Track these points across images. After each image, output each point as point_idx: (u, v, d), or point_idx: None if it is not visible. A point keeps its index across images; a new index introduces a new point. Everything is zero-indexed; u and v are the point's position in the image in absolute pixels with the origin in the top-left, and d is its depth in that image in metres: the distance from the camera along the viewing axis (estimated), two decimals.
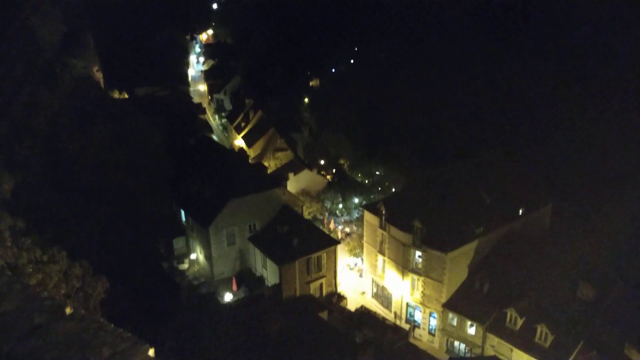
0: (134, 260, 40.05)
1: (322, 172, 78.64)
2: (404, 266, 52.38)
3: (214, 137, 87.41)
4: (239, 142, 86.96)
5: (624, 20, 71.75)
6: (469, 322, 48.49)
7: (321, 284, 54.82)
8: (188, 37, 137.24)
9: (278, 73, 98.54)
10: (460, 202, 51.74)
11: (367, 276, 59.36)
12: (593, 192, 58.66)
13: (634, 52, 71.49)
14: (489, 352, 46.58)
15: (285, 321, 43.61)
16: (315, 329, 44.40)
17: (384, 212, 53.57)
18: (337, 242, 57.38)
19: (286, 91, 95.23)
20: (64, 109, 44.47)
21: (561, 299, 44.97)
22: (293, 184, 68.63)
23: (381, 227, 54.31)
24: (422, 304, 52.33)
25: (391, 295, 55.61)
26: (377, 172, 79.78)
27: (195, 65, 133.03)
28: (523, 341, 43.92)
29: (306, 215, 64.52)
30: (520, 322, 44.72)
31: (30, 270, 22.07)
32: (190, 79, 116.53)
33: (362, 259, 61.17)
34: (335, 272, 55.94)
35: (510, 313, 45.22)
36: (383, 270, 55.77)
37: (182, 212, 59.44)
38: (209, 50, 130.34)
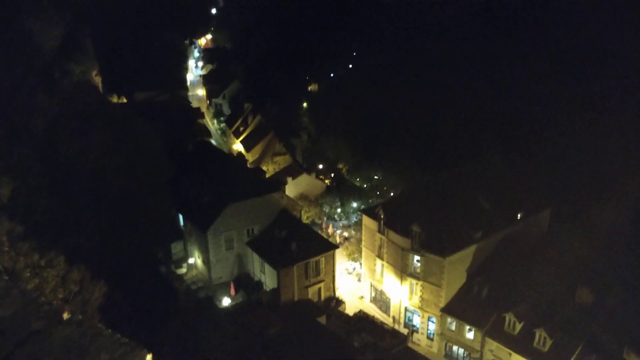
0: (132, 264, 39.93)
1: (321, 177, 78.66)
2: (403, 270, 52.34)
3: (213, 142, 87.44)
4: (238, 146, 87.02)
5: (624, 21, 71.86)
6: (467, 327, 48.45)
7: (319, 289, 54.74)
8: (187, 42, 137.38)
9: (277, 78, 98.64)
10: (458, 206, 51.78)
11: (366, 280, 59.30)
12: (591, 196, 58.66)
13: (634, 53, 71.66)
14: (488, 356, 46.54)
15: (283, 326, 43.56)
16: (313, 334, 44.34)
17: (382, 217, 53.58)
18: (335, 246, 57.37)
19: (285, 96, 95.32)
20: (63, 113, 44.42)
21: (560, 303, 44.97)
22: (291, 189, 68.65)
23: (380, 231, 54.29)
24: (420, 308, 52.26)
25: (390, 299, 55.54)
26: (375, 177, 79.81)
27: (194, 69, 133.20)
28: (522, 346, 43.89)
29: (304, 219, 64.52)
30: (518, 326, 44.69)
31: (28, 274, 22.00)
32: (189, 83, 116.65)
33: (361, 264, 61.12)
34: (333, 276, 55.89)
35: (509, 317, 45.19)
36: (381, 275, 55.72)
37: (181, 217, 59.39)
38: (207, 55, 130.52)
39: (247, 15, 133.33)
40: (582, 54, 77.88)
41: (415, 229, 50.08)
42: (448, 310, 49.70)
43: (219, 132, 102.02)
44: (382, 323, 53.32)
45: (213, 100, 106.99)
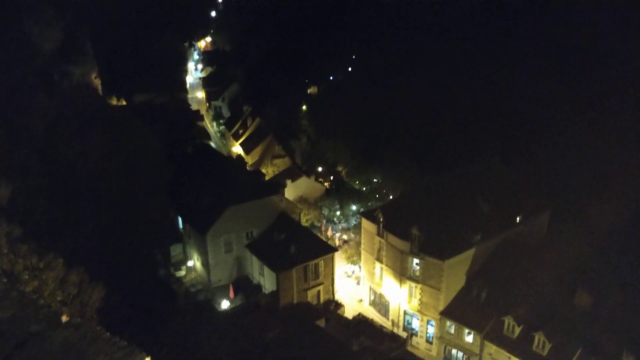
0: (131, 267, 39.87)
1: (320, 179, 78.67)
2: (402, 274, 52.29)
3: (212, 144, 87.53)
4: (237, 149, 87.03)
5: (623, 22, 71.94)
6: (466, 330, 48.39)
7: (318, 292, 54.69)
8: (186, 45, 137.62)
9: (276, 80, 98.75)
10: (457, 209, 51.77)
11: (365, 284, 59.24)
12: (591, 198, 58.68)
13: (633, 54, 71.77)
14: None
15: (282, 329, 43.50)
16: (312, 337, 44.28)
17: (381, 220, 53.55)
18: (334, 249, 57.33)
19: (284, 98, 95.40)
20: (62, 115, 44.41)
21: (559, 306, 44.93)
22: (291, 191, 68.65)
23: (379, 234, 54.27)
24: (419, 311, 52.20)
25: (389, 302, 55.48)
26: (374, 179, 79.82)
27: (194, 72, 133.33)
28: (521, 349, 43.84)
29: (304, 222, 64.48)
30: (517, 329, 44.65)
31: (27, 277, 21.96)
32: (188, 86, 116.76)
33: (360, 267, 61.07)
34: (332, 279, 55.84)
35: (508, 321, 45.15)
36: (381, 278, 55.67)
37: (180, 219, 59.34)
38: (207, 58, 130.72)
39: (247, 17, 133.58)
40: (581, 55, 78.02)
41: (415, 232, 50.06)
42: (447, 313, 49.65)
43: (218, 134, 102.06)
44: (381, 326, 53.26)
45: (212, 102, 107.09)
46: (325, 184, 79.16)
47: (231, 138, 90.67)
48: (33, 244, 23.97)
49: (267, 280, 53.11)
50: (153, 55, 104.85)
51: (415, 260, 51.07)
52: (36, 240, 25.32)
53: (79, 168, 40.67)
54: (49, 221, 33.51)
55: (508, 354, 44.62)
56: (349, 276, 63.30)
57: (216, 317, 46.45)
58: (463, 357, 49.27)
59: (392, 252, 52.95)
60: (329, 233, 69.04)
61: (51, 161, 39.68)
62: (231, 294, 53.31)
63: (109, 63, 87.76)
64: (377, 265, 55.70)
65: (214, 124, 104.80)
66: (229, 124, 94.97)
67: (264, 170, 73.32)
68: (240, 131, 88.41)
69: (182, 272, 58.08)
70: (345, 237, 69.75)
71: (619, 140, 63.81)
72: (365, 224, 57.06)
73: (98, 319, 25.38)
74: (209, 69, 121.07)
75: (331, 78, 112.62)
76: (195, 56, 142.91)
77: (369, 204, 72.92)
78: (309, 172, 77.64)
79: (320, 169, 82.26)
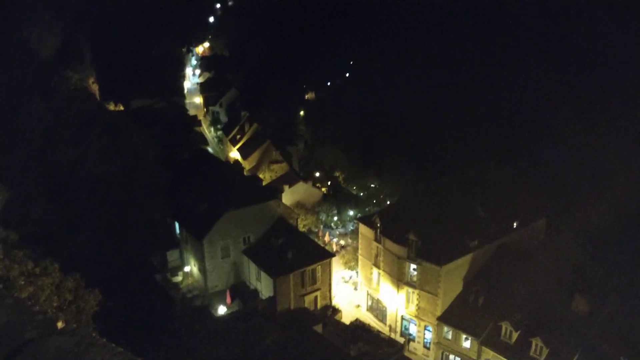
0: (127, 272, 39.75)
1: (317, 185, 78.67)
2: (399, 279, 52.25)
3: (209, 149, 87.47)
4: (234, 154, 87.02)
5: (623, 23, 72.28)
6: (464, 336, 48.34)
7: (316, 297, 54.56)
8: (184, 50, 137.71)
9: (274, 86, 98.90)
10: (454, 215, 51.83)
11: (362, 289, 59.16)
12: (587, 204, 58.79)
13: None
14: None
15: (279, 334, 43.35)
16: (309, 343, 44.14)
17: (379, 225, 53.55)
18: (332, 254, 57.25)
19: (282, 104, 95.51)
20: (59, 120, 44.40)
21: (556, 311, 44.93)
22: (288, 196, 68.58)
23: (376, 239, 54.24)
24: (417, 317, 52.14)
25: (386, 308, 55.39)
26: (372, 185, 79.88)
27: (191, 77, 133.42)
28: (518, 354, 43.78)
29: (301, 227, 64.40)
30: (515, 335, 44.62)
31: (22, 283, 21.87)
32: (186, 91, 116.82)
33: (357, 272, 61.00)
34: (330, 285, 55.74)
35: (505, 326, 45.13)
36: (378, 283, 55.61)
37: (177, 225, 59.21)
38: (205, 63, 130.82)
39: (245, 23, 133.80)
40: (580, 56, 78.33)
41: (412, 237, 50.07)
42: (444, 319, 49.60)
43: (215, 139, 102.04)
44: (379, 332, 53.14)
45: (210, 108, 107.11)
46: (323, 189, 79.16)
47: (229, 143, 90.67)
48: (29, 249, 23.90)
49: (264, 286, 52.99)
50: (151, 60, 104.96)
51: (413, 266, 51.05)
52: (32, 245, 25.26)
53: (76, 173, 40.62)
54: (45, 227, 33.44)
55: None
56: (346, 282, 63.21)
57: (213, 323, 46.27)
58: None
59: (389, 257, 52.92)
60: (327, 238, 68.97)
61: (48, 166, 39.63)
62: (228, 300, 53.14)
63: (107, 68, 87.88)
64: (375, 270, 55.64)
65: (212, 129, 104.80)
66: (226, 129, 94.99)
67: (261, 176, 73.27)
68: (238, 136, 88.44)
69: (179, 278, 57.89)
70: (342, 242, 69.69)
71: (617, 143, 64.03)
72: (363, 229, 57.05)
73: (94, 325, 25.29)
74: (207, 75, 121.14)
75: (329, 84, 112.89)
76: (193, 61, 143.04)
77: (367, 209, 72.94)
78: (307, 177, 77.64)
79: (317, 174, 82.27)
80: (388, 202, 71.46)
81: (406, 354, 51.58)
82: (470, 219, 52.25)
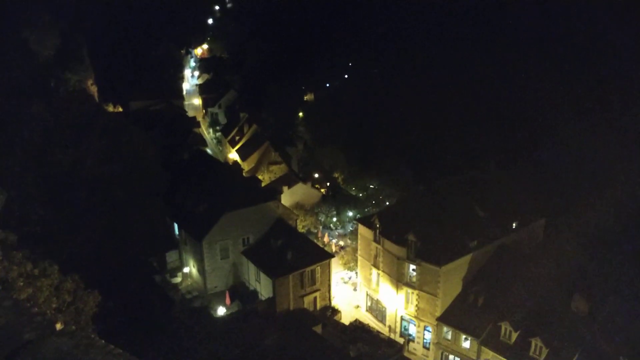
0: (126, 274, 39.75)
1: (317, 186, 78.66)
2: (398, 280, 52.25)
3: (208, 151, 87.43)
4: (233, 155, 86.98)
5: (623, 25, 72.32)
6: (463, 336, 48.33)
7: (315, 298, 54.53)
8: (183, 51, 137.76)
9: (273, 87, 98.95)
10: (454, 215, 51.83)
11: (362, 290, 59.15)
12: (587, 204, 58.85)
13: (633, 56, 72.14)
14: None
15: (279, 335, 43.33)
16: (309, 343, 44.12)
17: (378, 226, 53.55)
18: (331, 255, 57.22)
19: (281, 105, 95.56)
20: (59, 121, 44.40)
21: (556, 311, 44.94)
22: (287, 197, 68.59)
23: (375, 240, 54.24)
24: (416, 317, 52.13)
25: (385, 308, 55.38)
26: (371, 186, 79.89)
27: (190, 79, 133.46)
28: (518, 355, 43.77)
29: (300, 228, 64.39)
30: (514, 335, 44.61)
31: (21, 284, 21.85)
32: (185, 92, 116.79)
33: (357, 273, 60.99)
34: (329, 285, 55.71)
35: (505, 326, 45.12)
36: (377, 284, 55.60)
37: (176, 226, 59.19)
38: (204, 65, 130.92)
39: (244, 25, 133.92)
40: (580, 56, 78.37)
41: (411, 238, 50.07)
42: (444, 319, 49.59)
43: (214, 141, 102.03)
44: (378, 332, 53.13)
45: (209, 109, 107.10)
46: (322, 190, 79.14)
47: (227, 144, 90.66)
48: (28, 251, 23.88)
49: (263, 287, 52.95)
50: (150, 62, 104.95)
51: (412, 266, 51.05)
52: (31, 247, 25.23)
53: (75, 174, 40.59)
54: (44, 228, 33.41)
55: None
56: (345, 282, 63.20)
57: (212, 324, 46.22)
58: None
59: (388, 258, 52.92)
60: (326, 239, 68.96)
61: (47, 167, 39.60)
62: (227, 301, 53.10)
63: (106, 70, 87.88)
64: (374, 271, 55.64)
65: (211, 130, 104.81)
66: (225, 131, 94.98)
67: (260, 177, 73.26)
68: (237, 138, 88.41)
69: (178, 279, 57.85)
70: (341, 243, 69.70)
71: (617, 143, 64.11)
72: (362, 230, 57.05)
73: (93, 326, 25.26)
74: (206, 76, 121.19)
75: (328, 85, 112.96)
76: (192, 63, 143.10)
77: (366, 210, 72.93)
78: (306, 178, 77.62)
79: (316, 175, 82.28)
80: (387, 203, 71.50)
81: (406, 354, 51.57)
82: (470, 220, 52.26)
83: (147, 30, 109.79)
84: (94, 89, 79.82)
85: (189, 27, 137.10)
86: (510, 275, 49.03)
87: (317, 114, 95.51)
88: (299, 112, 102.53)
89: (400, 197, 65.20)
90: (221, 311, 51.94)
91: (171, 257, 58.26)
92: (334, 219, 73.25)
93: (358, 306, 59.45)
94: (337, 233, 72.46)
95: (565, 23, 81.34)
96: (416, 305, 51.72)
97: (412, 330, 53.31)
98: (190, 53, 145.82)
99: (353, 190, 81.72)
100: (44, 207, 35.65)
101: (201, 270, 54.71)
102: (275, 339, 42.34)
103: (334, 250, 66.32)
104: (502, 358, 44.74)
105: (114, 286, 33.81)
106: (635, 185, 57.25)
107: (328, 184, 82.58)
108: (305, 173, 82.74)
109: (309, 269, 53.04)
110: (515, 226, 55.01)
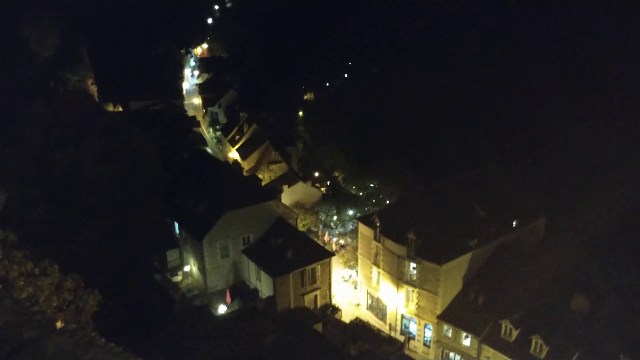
0: (126, 272, 39.78)
1: (317, 185, 78.69)
2: (399, 278, 52.29)
3: (208, 150, 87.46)
4: (233, 154, 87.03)
5: (622, 26, 72.26)
6: (464, 334, 48.37)
7: (316, 296, 54.59)
8: (183, 51, 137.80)
9: (273, 87, 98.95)
10: (454, 214, 51.85)
11: (362, 288, 59.19)
12: (587, 203, 58.83)
13: (633, 56, 72.08)
14: None
15: (279, 333, 43.35)
16: (309, 342, 44.13)
17: (378, 225, 53.58)
18: (331, 254, 57.28)
19: (281, 105, 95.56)
20: (58, 121, 44.40)
21: (556, 309, 44.95)
22: (287, 196, 68.63)
23: (376, 239, 54.27)
24: (417, 315, 52.17)
25: (386, 307, 55.42)
26: (371, 185, 79.89)
27: (190, 78, 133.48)
28: (518, 352, 43.80)
29: (300, 227, 64.45)
30: (515, 333, 44.64)
31: (22, 283, 21.92)
32: (184, 92, 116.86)
33: (357, 271, 61.03)
34: (329, 284, 55.77)
35: (505, 324, 45.15)
36: (378, 282, 55.65)
37: (176, 225, 59.22)
38: (203, 64, 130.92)
39: (243, 24, 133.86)
40: (580, 56, 78.33)
41: (411, 236, 50.10)
42: (444, 317, 49.63)
43: (214, 140, 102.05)
44: (379, 330, 53.19)
45: (209, 109, 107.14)
46: (322, 189, 79.17)
47: (227, 144, 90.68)
48: (28, 250, 23.93)
49: (263, 285, 53.01)
50: (150, 62, 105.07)
51: (412, 265, 51.09)
52: (31, 246, 25.29)
53: (76, 174, 40.61)
54: (45, 227, 33.45)
55: (505, 358, 44.57)
56: (346, 281, 63.25)
57: (213, 323, 46.24)
58: None
59: (389, 256, 52.95)
60: (326, 238, 69.01)
61: (48, 167, 39.63)
62: (228, 299, 53.16)
63: (106, 70, 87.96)
64: (374, 269, 55.68)
65: (211, 130, 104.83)
66: (225, 130, 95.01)
67: (260, 176, 73.28)
68: (237, 137, 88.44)
69: (179, 278, 57.89)
70: (342, 241, 69.75)
71: (617, 143, 64.05)
72: (362, 228, 57.09)
73: (93, 325, 25.31)
74: (206, 76, 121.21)
75: (327, 84, 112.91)
76: (192, 63, 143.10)
77: (366, 209, 72.96)
78: (306, 177, 77.66)
79: (316, 174, 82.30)
80: (387, 202, 71.52)
81: (406, 352, 51.61)
82: (470, 219, 52.26)
83: (147, 30, 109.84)
84: (94, 89, 79.91)
85: (189, 27, 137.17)
86: (510, 273, 49.05)
87: (317, 114, 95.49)
88: (299, 112, 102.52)
89: (400, 196, 65.19)
90: (222, 310, 52.00)
91: (171, 256, 58.31)
92: (334, 218, 73.28)
93: (358, 304, 59.49)
94: (337, 232, 72.50)
95: (565, 23, 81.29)
96: (417, 304, 51.78)
97: (413, 328, 53.36)
98: (190, 53, 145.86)
99: (353, 189, 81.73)
100: (45, 206, 35.69)
101: (202, 269, 54.76)
102: (275, 338, 42.35)
103: (334, 248, 66.38)
104: (503, 356, 44.79)
105: (114, 285, 33.84)
106: (635, 184, 57.19)
107: (328, 183, 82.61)
108: (305, 172, 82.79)
109: (309, 267, 53.10)
110: (516, 225, 55.04)
